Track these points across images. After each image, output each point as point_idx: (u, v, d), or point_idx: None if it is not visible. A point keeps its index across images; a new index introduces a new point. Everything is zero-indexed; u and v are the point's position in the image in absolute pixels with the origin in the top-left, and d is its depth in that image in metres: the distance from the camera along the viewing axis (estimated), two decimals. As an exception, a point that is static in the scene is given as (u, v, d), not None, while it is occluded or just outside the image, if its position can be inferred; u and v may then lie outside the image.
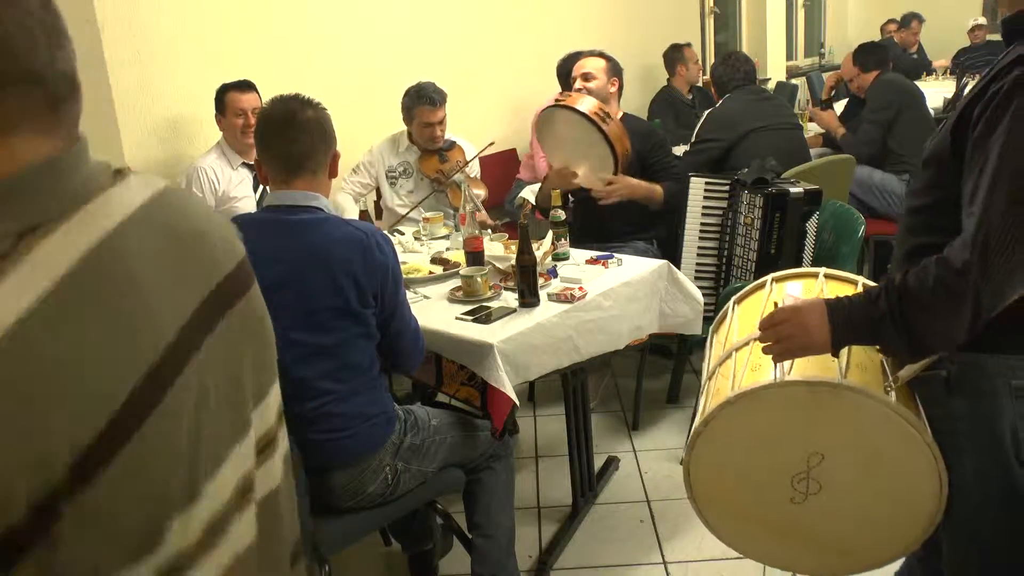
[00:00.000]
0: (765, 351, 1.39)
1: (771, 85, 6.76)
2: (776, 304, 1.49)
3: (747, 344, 1.54)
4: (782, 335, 1.35)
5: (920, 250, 1.28)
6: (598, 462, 2.85)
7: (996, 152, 1.15)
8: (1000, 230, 1.13)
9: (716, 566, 2.38)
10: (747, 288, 1.79)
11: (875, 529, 1.46)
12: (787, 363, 1.42)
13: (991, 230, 1.14)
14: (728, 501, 1.53)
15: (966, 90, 5.09)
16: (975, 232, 1.15)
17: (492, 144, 3.69)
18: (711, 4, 7.04)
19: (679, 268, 2.77)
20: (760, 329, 1.40)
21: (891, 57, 4.78)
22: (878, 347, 1.46)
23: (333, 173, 1.95)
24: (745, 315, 1.69)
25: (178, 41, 3.23)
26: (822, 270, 1.70)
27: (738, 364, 1.52)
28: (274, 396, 0.80)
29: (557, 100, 3.08)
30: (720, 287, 3.09)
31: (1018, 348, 1.24)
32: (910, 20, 7.46)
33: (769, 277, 1.74)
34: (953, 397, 1.31)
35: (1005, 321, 1.19)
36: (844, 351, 1.40)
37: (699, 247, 3.18)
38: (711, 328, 1.81)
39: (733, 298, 1.79)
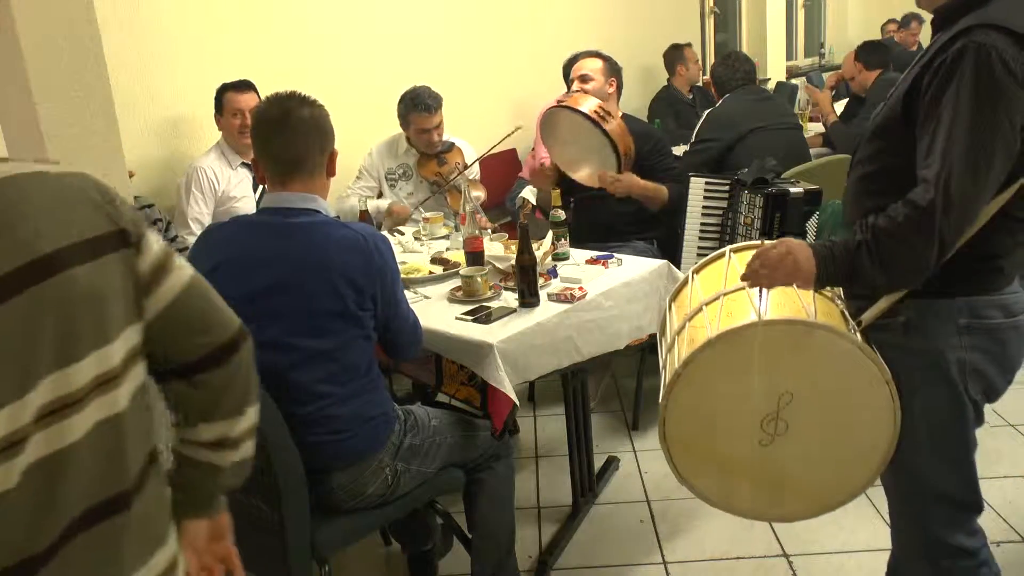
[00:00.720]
0: (752, 280, 1.49)
1: (771, 85, 6.76)
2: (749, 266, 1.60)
3: (717, 299, 1.64)
4: (768, 260, 1.46)
5: (873, 212, 1.42)
6: (598, 462, 2.85)
7: (949, 110, 1.33)
8: (959, 173, 1.31)
9: (716, 566, 2.38)
10: (704, 260, 1.88)
11: (833, 470, 1.56)
12: (762, 306, 1.52)
13: (951, 172, 1.31)
14: (699, 446, 1.60)
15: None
16: (937, 176, 1.33)
17: (520, 127, 3.69)
18: (711, 4, 7.04)
19: (679, 268, 2.77)
20: (748, 265, 1.50)
21: (893, 57, 4.79)
22: (842, 295, 1.62)
23: (331, 172, 1.92)
24: (707, 280, 1.79)
25: (178, 41, 3.23)
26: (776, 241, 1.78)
27: (711, 315, 1.60)
28: (103, 355, 0.90)
29: (559, 101, 3.09)
30: (720, 287, 3.09)
31: (964, 291, 1.45)
32: (910, 21, 7.47)
33: (727, 248, 1.83)
34: (910, 338, 1.49)
35: (954, 267, 1.39)
36: (810, 301, 1.54)
37: (699, 247, 3.18)
38: (668, 298, 1.90)
39: (691, 268, 1.88)
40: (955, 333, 1.46)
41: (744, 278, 1.52)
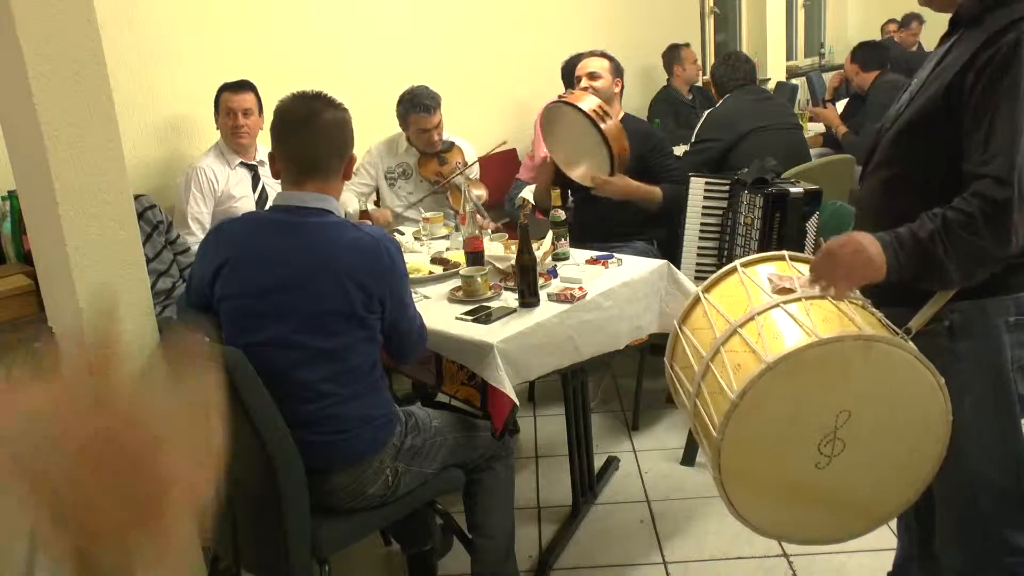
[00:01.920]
0: (825, 285, 1.42)
1: (771, 85, 6.76)
2: (770, 280, 1.57)
3: (752, 319, 1.52)
4: (842, 260, 1.39)
5: (904, 216, 1.40)
6: (598, 462, 2.85)
7: (1009, 103, 1.30)
8: None
9: (716, 566, 2.38)
10: (713, 277, 1.75)
11: (887, 481, 1.50)
12: (809, 324, 1.43)
13: None
14: (754, 476, 1.51)
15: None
16: (1007, 170, 1.30)
17: (504, 144, 3.70)
18: (711, 4, 7.03)
19: (679, 268, 2.77)
20: (812, 268, 1.43)
21: (894, 57, 4.78)
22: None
23: (347, 175, 1.93)
24: (725, 299, 1.67)
25: (178, 41, 3.23)
26: (786, 253, 1.72)
27: (752, 337, 1.48)
28: None
29: (560, 97, 3.10)
30: (720, 287, 3.09)
31: (1011, 289, 1.43)
32: (910, 21, 7.46)
33: (736, 263, 1.73)
34: (957, 341, 1.47)
35: (1001, 267, 1.37)
36: (851, 312, 1.47)
37: (699, 247, 3.18)
38: (677, 321, 1.77)
39: (699, 288, 1.75)
40: (1004, 331, 1.44)
41: (815, 281, 1.45)
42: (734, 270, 1.71)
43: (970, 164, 1.35)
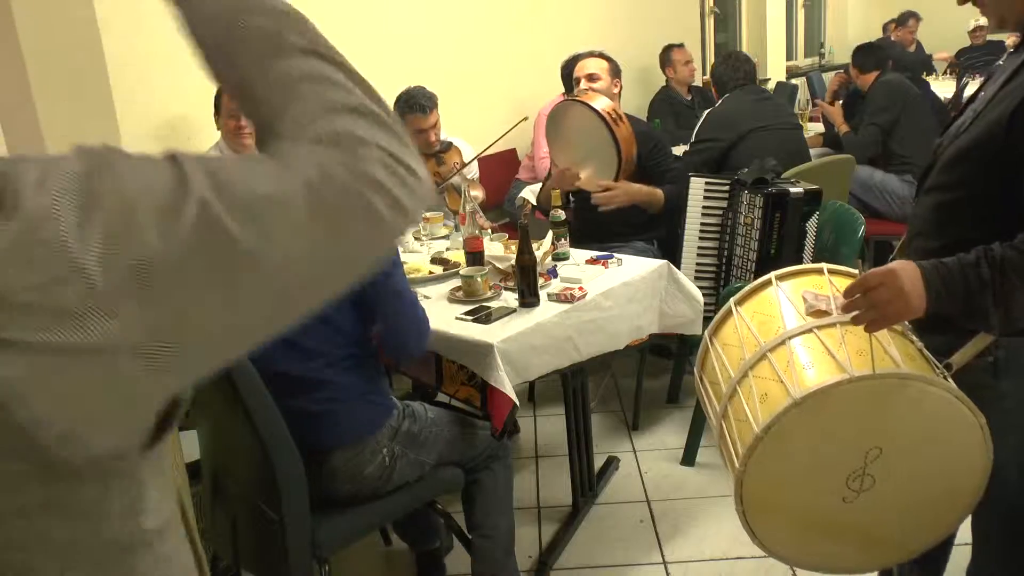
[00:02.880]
0: (857, 320, 1.33)
1: (771, 85, 6.76)
2: (804, 298, 1.50)
3: (782, 344, 1.46)
4: (878, 301, 1.30)
5: (958, 244, 1.30)
6: (598, 462, 2.85)
7: None
8: None
9: (716, 566, 2.38)
10: (747, 289, 1.71)
11: (918, 517, 1.45)
12: (843, 355, 1.37)
13: None
14: (777, 508, 1.47)
15: (966, 90, 5.09)
16: None
17: (525, 119, 3.64)
18: (711, 4, 7.03)
19: (679, 268, 2.77)
20: (847, 296, 1.34)
21: (894, 56, 4.78)
22: (911, 329, 1.46)
23: None
24: (757, 315, 1.61)
25: (178, 41, 3.23)
26: (825, 266, 1.66)
27: (781, 365, 1.42)
28: None
29: (568, 96, 3.07)
30: (720, 287, 3.09)
31: None
32: (907, 18, 7.44)
33: (772, 275, 1.67)
34: (1001, 380, 1.38)
35: None
36: (889, 342, 1.40)
37: (699, 247, 3.18)
38: (707, 332, 1.72)
39: (732, 300, 1.71)
40: None
41: (846, 310, 1.36)
42: (769, 283, 1.65)
43: None
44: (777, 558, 1.55)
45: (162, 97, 3.23)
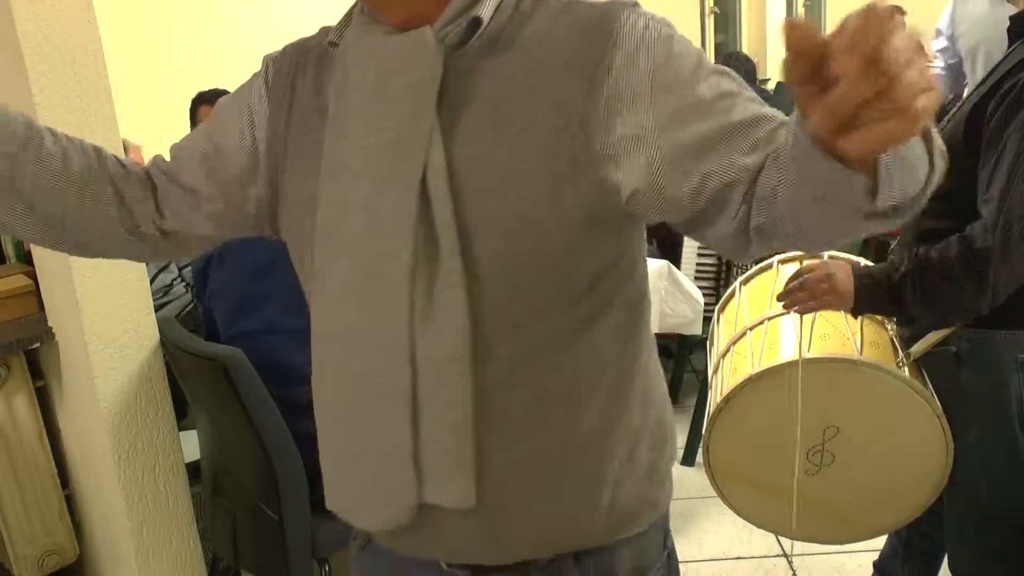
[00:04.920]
0: (788, 305, 1.45)
1: (771, 85, 6.76)
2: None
3: (761, 324, 1.60)
4: (809, 284, 1.41)
5: (929, 234, 1.35)
6: (598, 462, 2.85)
7: (1013, 145, 1.22)
8: (1020, 219, 1.22)
9: (716, 566, 2.38)
10: (753, 270, 1.85)
11: (882, 498, 1.54)
12: (806, 340, 1.48)
13: (1011, 219, 1.22)
14: (743, 474, 1.58)
15: (965, 91, 5.10)
16: (995, 219, 1.23)
17: None
18: (711, 4, 7.03)
19: (679, 268, 2.77)
20: (784, 286, 1.45)
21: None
22: (894, 319, 1.54)
23: None
24: (754, 296, 1.75)
25: (178, 41, 3.23)
26: (826, 252, 1.73)
27: (754, 342, 1.57)
28: None
29: None
30: (720, 287, 3.09)
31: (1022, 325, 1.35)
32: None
33: (775, 259, 1.79)
34: (963, 370, 1.41)
35: (1015, 299, 1.29)
36: (857, 330, 1.49)
37: (699, 247, 3.17)
38: (717, 307, 1.88)
39: (739, 279, 1.86)
40: (1013, 369, 1.36)
41: (781, 298, 1.47)
42: (771, 265, 1.78)
43: (978, 200, 1.28)
44: (746, 519, 1.66)
45: (162, 97, 3.23)
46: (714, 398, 1.60)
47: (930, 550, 1.77)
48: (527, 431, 0.80)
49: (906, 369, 1.45)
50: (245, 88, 0.93)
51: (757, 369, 1.48)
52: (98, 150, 0.90)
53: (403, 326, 0.76)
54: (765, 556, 2.39)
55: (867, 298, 1.38)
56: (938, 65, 3.01)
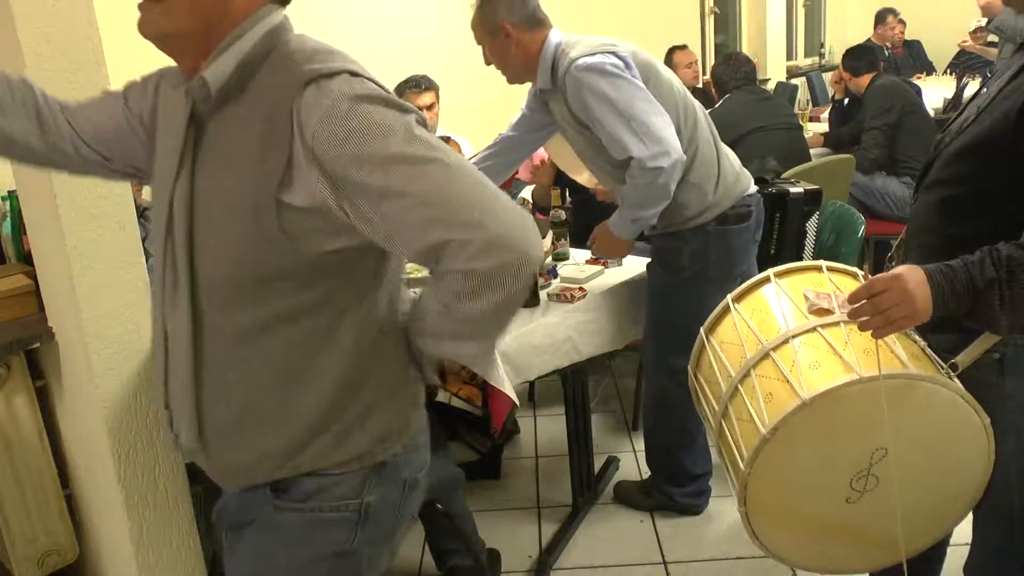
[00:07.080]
0: (863, 326, 1.28)
1: (771, 85, 6.75)
2: (806, 296, 1.48)
3: (785, 342, 1.44)
4: (885, 305, 1.25)
5: (962, 239, 1.28)
6: (598, 462, 2.85)
7: None
8: None
9: (716, 566, 2.38)
10: (744, 286, 1.66)
11: (918, 516, 1.44)
12: (850, 356, 1.35)
13: None
14: (780, 509, 1.45)
15: (966, 91, 5.08)
16: None
17: None
18: (711, 4, 7.03)
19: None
20: (851, 301, 1.29)
21: (885, 58, 4.75)
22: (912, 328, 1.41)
23: None
24: (756, 313, 1.59)
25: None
26: (823, 263, 1.64)
27: (786, 363, 1.41)
28: None
29: None
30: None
31: None
32: (885, 15, 7.02)
33: (770, 272, 1.65)
34: (1006, 378, 1.36)
35: None
36: (893, 341, 1.38)
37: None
38: (703, 329, 1.69)
39: (729, 296, 1.66)
40: None
41: (853, 317, 1.30)
42: (767, 280, 1.63)
43: None
44: (776, 558, 1.54)
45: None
46: (742, 431, 1.43)
47: (931, 555, 1.75)
48: (232, 392, 1.09)
49: (957, 381, 1.36)
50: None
51: (810, 393, 1.32)
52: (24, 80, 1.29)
53: (158, 308, 1.14)
54: (765, 556, 2.37)
55: (946, 307, 1.25)
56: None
